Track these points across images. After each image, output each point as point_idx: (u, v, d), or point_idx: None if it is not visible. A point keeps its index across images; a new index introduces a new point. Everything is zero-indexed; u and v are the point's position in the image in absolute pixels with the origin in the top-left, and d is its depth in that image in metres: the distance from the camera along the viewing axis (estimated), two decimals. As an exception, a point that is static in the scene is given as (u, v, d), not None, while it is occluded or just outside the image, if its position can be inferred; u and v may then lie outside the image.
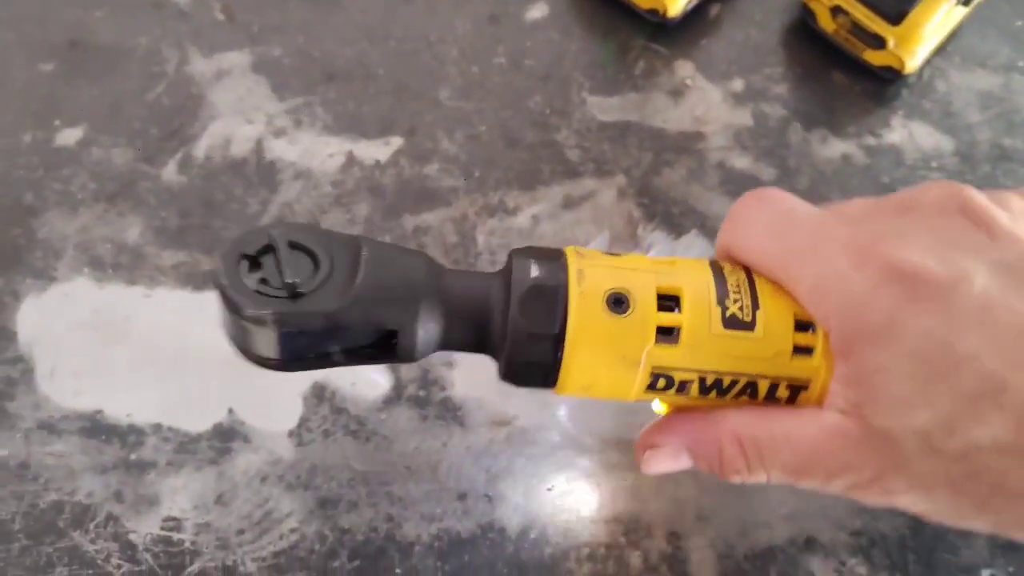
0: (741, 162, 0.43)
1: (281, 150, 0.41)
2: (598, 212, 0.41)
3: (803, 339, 0.27)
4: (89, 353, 0.36)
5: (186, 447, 0.35)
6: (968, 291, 0.25)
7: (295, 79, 0.43)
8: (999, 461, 0.24)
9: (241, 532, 0.33)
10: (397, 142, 0.42)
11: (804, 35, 0.47)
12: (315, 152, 0.41)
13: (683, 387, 0.27)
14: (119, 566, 0.32)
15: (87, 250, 0.38)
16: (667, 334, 0.27)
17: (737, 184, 0.42)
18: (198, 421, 0.35)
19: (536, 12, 0.46)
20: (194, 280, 0.38)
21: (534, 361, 0.27)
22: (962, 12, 0.46)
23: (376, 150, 0.41)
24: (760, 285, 0.27)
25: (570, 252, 0.28)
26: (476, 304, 0.27)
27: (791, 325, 0.27)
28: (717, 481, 0.35)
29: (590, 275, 0.27)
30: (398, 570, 0.33)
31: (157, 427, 0.35)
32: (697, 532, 0.35)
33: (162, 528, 0.33)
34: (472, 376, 0.37)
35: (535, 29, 0.46)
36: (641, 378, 0.27)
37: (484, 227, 0.40)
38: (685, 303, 0.27)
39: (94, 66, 0.42)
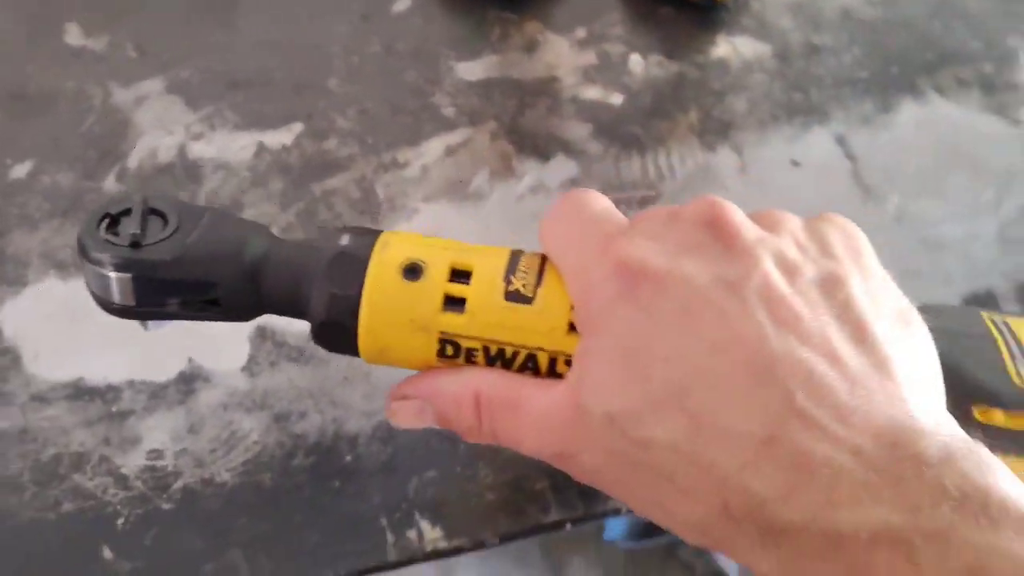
0: (591, 93, 0.51)
1: (200, 151, 0.48)
2: (476, 154, 0.49)
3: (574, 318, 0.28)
4: (64, 335, 0.42)
5: (157, 394, 0.41)
6: (679, 295, 0.25)
7: (204, 93, 0.50)
8: (672, 458, 0.25)
9: (213, 451, 0.40)
10: (298, 127, 0.49)
11: (632, -16, 0.55)
12: (229, 147, 0.48)
13: (470, 355, 0.29)
14: (116, 494, 0.39)
15: (50, 256, 0.44)
16: (456, 304, 0.29)
17: (590, 111, 0.50)
18: (163, 372, 0.42)
19: (401, 6, 0.54)
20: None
21: (335, 322, 0.29)
22: None
23: (281, 136, 0.49)
24: (549, 269, 0.30)
25: (386, 233, 0.30)
26: (294, 269, 0.30)
27: (568, 305, 0.29)
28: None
29: (393, 246, 0.29)
30: (348, 458, 0.40)
31: (131, 383, 0.41)
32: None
33: (147, 459, 0.39)
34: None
35: (401, 19, 0.54)
36: (429, 343, 0.29)
37: (381, 182, 0.47)
38: (474, 277, 0.29)
39: (33, 111, 0.49)
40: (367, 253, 0.29)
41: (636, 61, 0.52)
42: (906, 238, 0.47)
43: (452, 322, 0.29)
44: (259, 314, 0.32)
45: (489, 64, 0.52)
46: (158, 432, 0.40)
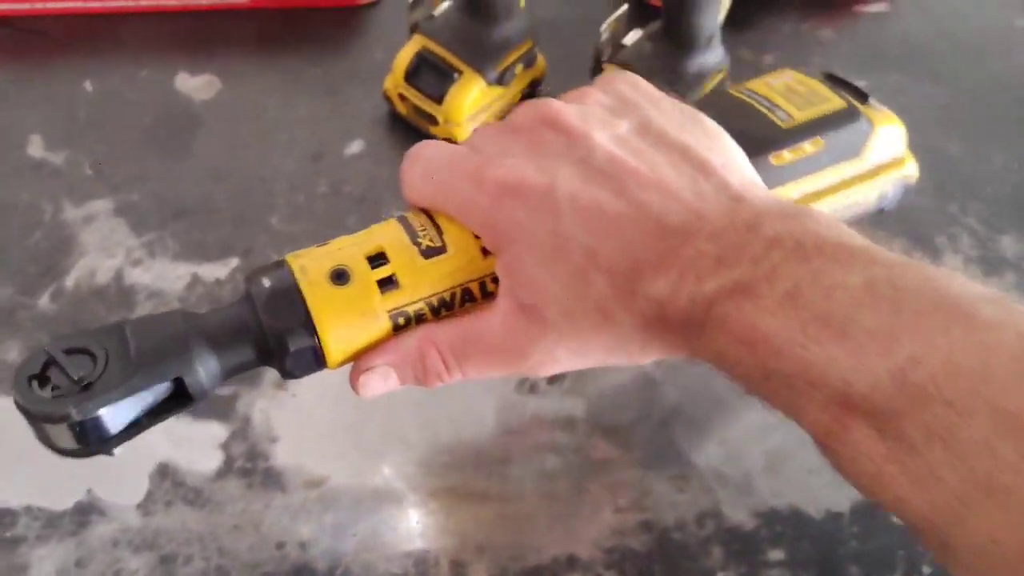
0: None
1: (137, 276, 0.50)
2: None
3: (484, 243, 0.33)
4: (-28, 454, 0.44)
5: (52, 523, 0.42)
6: (559, 189, 0.31)
7: (150, 218, 0.52)
8: (611, 308, 0.31)
9: (95, 589, 0.41)
10: (234, 262, 0.51)
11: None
12: (165, 276, 0.50)
13: (420, 318, 0.33)
14: (-8, 626, 0.39)
15: (-29, 371, 0.46)
16: (388, 283, 0.32)
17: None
18: (62, 500, 0.43)
19: (355, 147, 0.56)
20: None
21: (299, 350, 0.32)
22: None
23: (216, 270, 0.50)
24: (439, 218, 0.34)
25: (290, 258, 0.33)
26: (235, 328, 0.32)
27: (471, 236, 0.33)
28: (495, 517, 0.43)
29: (310, 267, 0.32)
30: (225, 610, 0.41)
31: (28, 508, 0.42)
32: (476, 560, 0.43)
33: (29, 591, 0.40)
34: (292, 447, 0.45)
35: (352, 161, 0.56)
36: (384, 323, 0.33)
37: (306, 325, 0.49)
38: (389, 255, 0.33)
39: (-17, 220, 0.51)
40: (292, 282, 0.32)
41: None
42: None
43: (393, 299, 0.33)
44: (220, 385, 0.33)
45: (429, 215, 0.54)
46: (47, 562, 0.41)
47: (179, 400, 0.32)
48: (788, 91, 0.45)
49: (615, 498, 0.44)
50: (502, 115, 0.57)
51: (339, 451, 0.45)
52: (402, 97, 0.55)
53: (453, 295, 0.33)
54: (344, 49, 0.62)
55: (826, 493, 0.45)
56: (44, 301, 0.49)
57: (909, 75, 0.66)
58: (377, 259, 0.33)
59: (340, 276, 0.32)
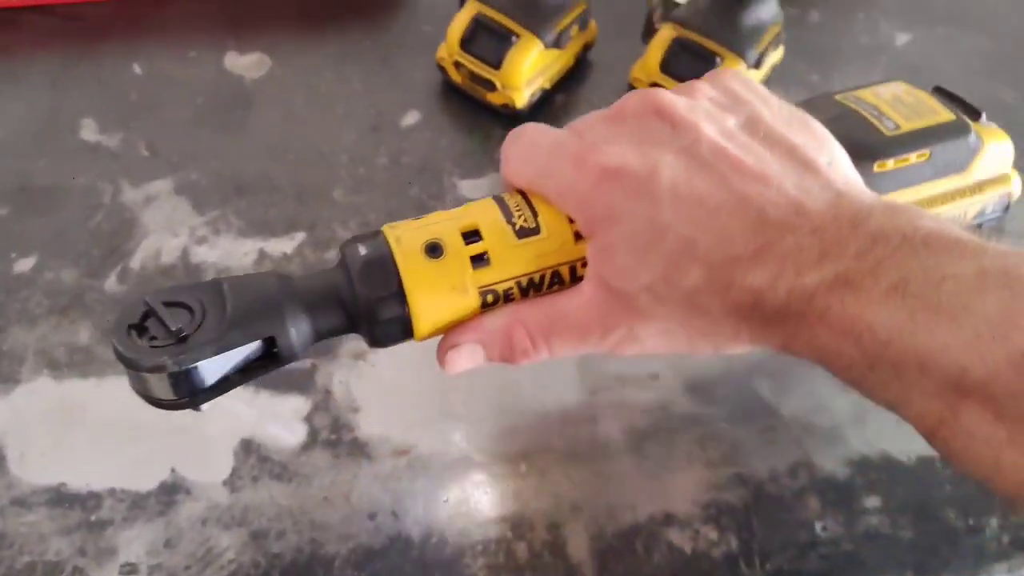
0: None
1: (204, 254, 0.49)
2: (473, 272, 0.49)
3: (577, 227, 0.33)
4: (52, 437, 0.43)
5: (138, 504, 0.41)
6: (660, 176, 0.31)
7: (211, 196, 0.51)
8: (704, 298, 0.31)
9: (188, 568, 0.40)
10: (300, 236, 0.50)
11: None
12: (232, 252, 0.49)
13: (508, 296, 0.33)
14: (87, 608, 0.39)
15: (45, 354, 0.45)
16: (480, 260, 0.33)
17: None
18: (146, 481, 0.42)
19: (411, 118, 0.56)
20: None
21: (389, 319, 0.32)
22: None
23: (283, 245, 0.49)
24: (535, 200, 0.34)
25: (386, 228, 0.33)
26: (329, 293, 0.32)
27: (566, 219, 0.33)
28: (587, 477, 0.43)
29: (405, 238, 0.33)
30: (322, 582, 0.40)
31: (112, 491, 0.41)
32: (573, 520, 0.42)
33: (120, 572, 0.39)
34: (376, 417, 0.44)
35: (411, 132, 0.55)
36: (474, 299, 0.33)
37: (377, 296, 0.48)
38: (484, 232, 0.33)
39: (41, 205, 0.50)
40: (388, 252, 0.32)
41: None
42: None
43: (485, 275, 0.33)
44: (309, 347, 0.33)
45: (492, 182, 0.53)
46: (136, 544, 0.40)
47: (269, 359, 0.32)
48: (896, 101, 0.45)
49: (705, 453, 0.44)
50: (557, 80, 0.56)
51: (423, 418, 0.44)
52: (457, 65, 0.54)
53: (543, 276, 0.34)
54: (390, 22, 0.61)
55: (916, 440, 0.44)
56: (111, 282, 0.48)
57: (957, 26, 0.65)
58: (471, 236, 0.33)
59: (434, 249, 0.32)
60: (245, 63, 0.57)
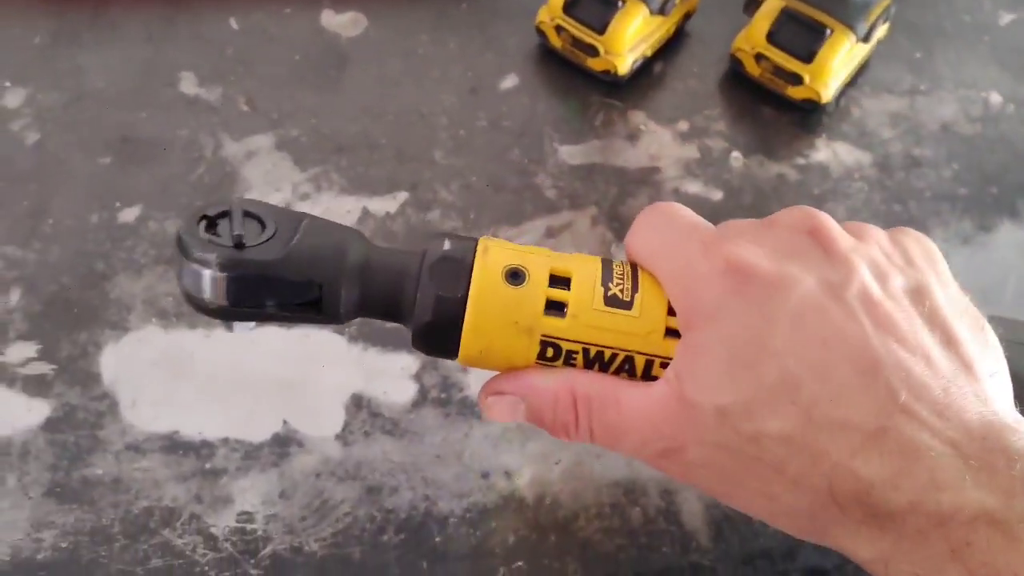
0: (692, 187, 0.51)
1: (306, 210, 0.48)
2: (576, 238, 0.49)
3: (675, 323, 0.30)
4: (162, 386, 0.43)
5: (251, 455, 0.41)
6: (789, 295, 0.27)
7: (312, 153, 0.51)
8: (783, 449, 0.26)
9: (304, 519, 0.40)
10: (403, 196, 0.49)
11: (735, 81, 0.56)
12: (334, 210, 0.49)
13: (570, 357, 0.30)
14: (204, 554, 0.38)
15: (153, 304, 0.45)
16: (556, 309, 0.30)
17: (691, 205, 0.50)
18: (258, 433, 0.42)
19: (509, 82, 0.55)
20: (244, 321, 0.45)
21: (439, 322, 0.30)
22: (865, 48, 0.55)
23: (386, 204, 0.49)
24: (643, 276, 0.31)
25: (482, 238, 0.31)
26: (394, 273, 0.30)
27: (665, 309, 0.30)
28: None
29: (493, 253, 0.30)
30: (437, 539, 0.39)
31: (225, 440, 0.41)
32: (686, 488, 0.41)
33: (237, 521, 0.39)
34: (485, 377, 0.44)
35: (509, 96, 0.54)
36: (531, 345, 0.30)
37: (482, 258, 0.47)
38: (574, 283, 0.30)
39: (144, 156, 0.50)
40: (470, 257, 0.30)
41: (737, 159, 0.52)
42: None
43: (554, 325, 0.30)
44: (354, 317, 0.32)
45: (592, 149, 0.52)
46: (250, 494, 0.40)
47: (312, 308, 0.31)
48: None
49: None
50: (658, 48, 0.56)
51: (534, 381, 0.44)
52: (559, 29, 0.54)
53: (615, 355, 0.30)
54: (484, -13, 0.61)
55: None
56: (216, 235, 0.47)
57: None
58: (560, 281, 0.30)
59: (516, 275, 0.30)
60: (341, 21, 0.57)
